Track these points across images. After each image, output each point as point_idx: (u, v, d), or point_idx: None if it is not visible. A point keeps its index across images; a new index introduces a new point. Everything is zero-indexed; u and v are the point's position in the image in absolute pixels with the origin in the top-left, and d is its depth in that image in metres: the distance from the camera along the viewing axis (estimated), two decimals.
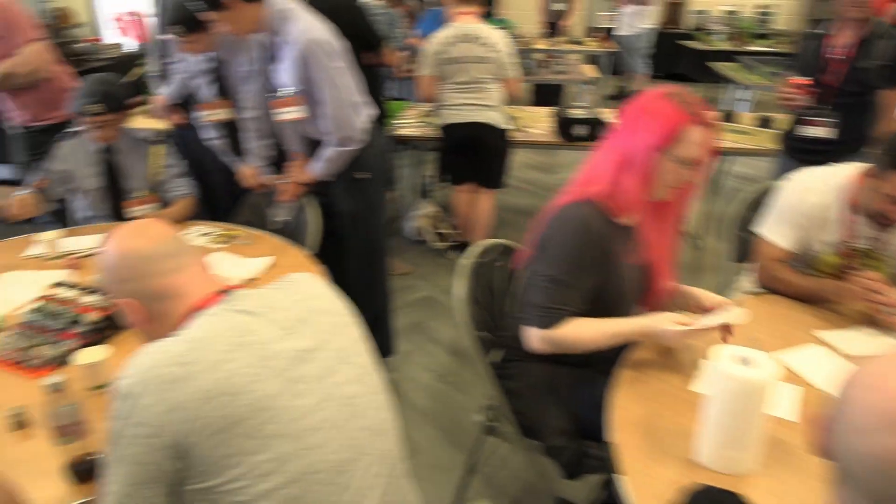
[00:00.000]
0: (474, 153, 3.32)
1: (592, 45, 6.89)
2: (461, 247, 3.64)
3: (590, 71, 5.42)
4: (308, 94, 2.15)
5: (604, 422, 1.46)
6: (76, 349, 1.53)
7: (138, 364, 0.94)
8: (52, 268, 2.01)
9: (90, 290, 1.71)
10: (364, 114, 2.29)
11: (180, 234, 1.13)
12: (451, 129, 3.31)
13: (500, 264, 1.89)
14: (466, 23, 3.18)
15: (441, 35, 3.20)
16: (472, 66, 3.17)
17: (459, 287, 1.71)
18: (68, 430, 1.14)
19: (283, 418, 0.97)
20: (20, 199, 2.14)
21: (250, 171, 2.52)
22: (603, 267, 1.49)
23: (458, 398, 2.58)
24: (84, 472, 1.17)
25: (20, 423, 1.32)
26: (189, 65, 2.60)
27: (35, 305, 1.69)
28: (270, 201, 2.49)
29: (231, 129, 2.57)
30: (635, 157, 1.42)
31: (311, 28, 2.08)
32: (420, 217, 3.92)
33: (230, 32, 2.10)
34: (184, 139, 2.83)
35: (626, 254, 1.51)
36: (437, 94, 3.31)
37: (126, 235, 1.08)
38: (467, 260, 1.76)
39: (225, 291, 1.09)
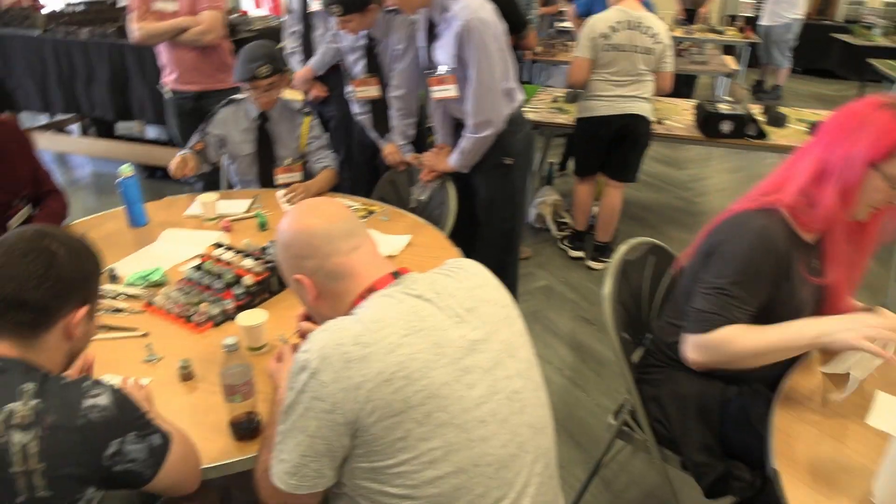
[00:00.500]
0: (616, 145, 3.16)
1: (731, 35, 6.48)
2: (576, 238, 3.54)
3: (731, 62, 5.10)
4: (459, 73, 2.14)
5: (755, 444, 1.37)
6: (233, 310, 1.61)
7: (318, 340, 0.97)
8: (209, 228, 2.14)
9: (246, 254, 1.79)
10: (517, 99, 2.25)
11: (355, 215, 1.14)
12: (598, 121, 3.10)
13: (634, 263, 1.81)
14: (631, 8, 2.96)
15: (605, 17, 2.97)
16: (636, 56, 2.97)
17: (607, 285, 1.65)
18: (237, 389, 1.19)
19: (454, 408, 0.97)
20: (181, 159, 2.27)
21: (392, 148, 2.56)
22: (778, 284, 1.37)
23: (577, 394, 2.53)
24: (245, 430, 1.23)
25: (187, 375, 1.41)
26: (342, 40, 2.66)
27: (197, 264, 1.79)
28: (411, 180, 2.52)
29: (375, 106, 2.61)
30: (839, 169, 1.29)
31: (479, 7, 2.07)
32: (542, 204, 3.86)
33: (400, 7, 2.12)
34: (321, 113, 2.91)
35: (806, 272, 1.40)
36: (589, 81, 3.10)
37: (304, 213, 1.10)
38: (616, 257, 1.70)
39: (396, 273, 1.10)
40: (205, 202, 2.17)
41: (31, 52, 4.10)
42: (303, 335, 1.43)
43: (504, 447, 1.01)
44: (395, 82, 2.45)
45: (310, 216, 1.10)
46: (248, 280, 1.68)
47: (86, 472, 0.92)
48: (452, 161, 2.32)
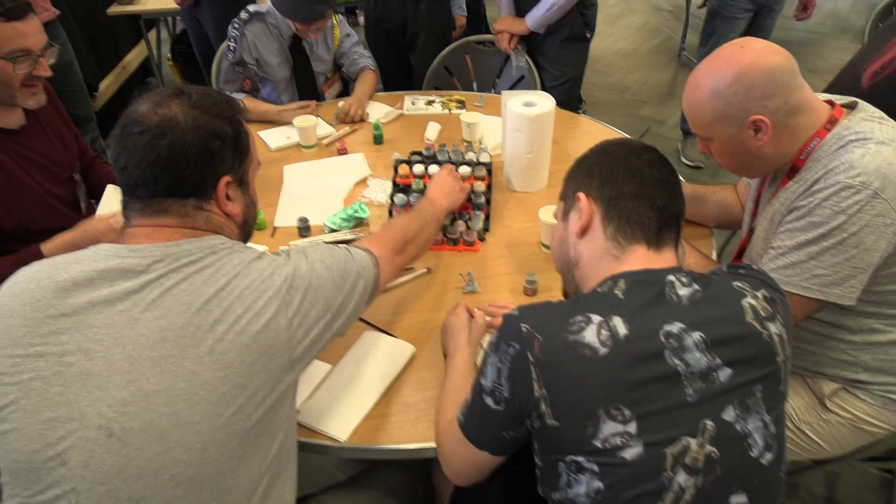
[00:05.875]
0: None
1: None
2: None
3: None
4: None
5: None
6: (486, 218, 1.50)
7: (866, 164, 1.00)
8: (327, 155, 1.84)
9: (431, 161, 1.61)
10: None
11: None
12: None
13: None
14: None
15: None
16: None
17: None
18: None
19: None
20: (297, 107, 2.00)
21: (510, 21, 2.33)
22: None
23: None
24: None
25: (534, 290, 1.32)
26: None
27: (396, 187, 1.58)
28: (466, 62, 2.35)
29: None
30: None
31: None
32: None
33: None
34: None
35: None
36: None
37: (761, 52, 1.05)
38: None
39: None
40: (303, 127, 1.84)
41: None
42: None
43: None
44: None
45: (769, 54, 1.04)
46: (480, 186, 1.54)
47: None
48: (532, 19, 2.23)
